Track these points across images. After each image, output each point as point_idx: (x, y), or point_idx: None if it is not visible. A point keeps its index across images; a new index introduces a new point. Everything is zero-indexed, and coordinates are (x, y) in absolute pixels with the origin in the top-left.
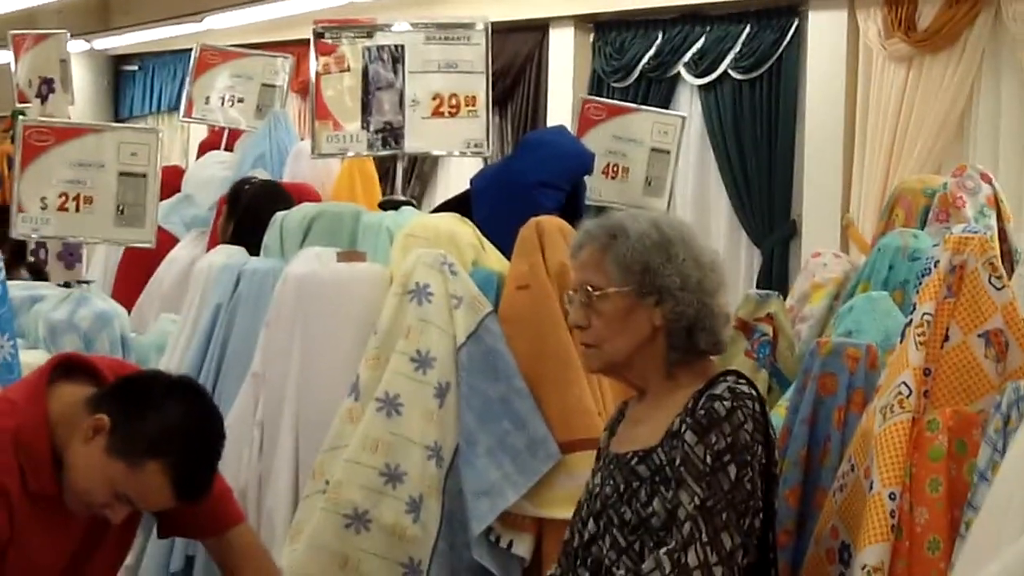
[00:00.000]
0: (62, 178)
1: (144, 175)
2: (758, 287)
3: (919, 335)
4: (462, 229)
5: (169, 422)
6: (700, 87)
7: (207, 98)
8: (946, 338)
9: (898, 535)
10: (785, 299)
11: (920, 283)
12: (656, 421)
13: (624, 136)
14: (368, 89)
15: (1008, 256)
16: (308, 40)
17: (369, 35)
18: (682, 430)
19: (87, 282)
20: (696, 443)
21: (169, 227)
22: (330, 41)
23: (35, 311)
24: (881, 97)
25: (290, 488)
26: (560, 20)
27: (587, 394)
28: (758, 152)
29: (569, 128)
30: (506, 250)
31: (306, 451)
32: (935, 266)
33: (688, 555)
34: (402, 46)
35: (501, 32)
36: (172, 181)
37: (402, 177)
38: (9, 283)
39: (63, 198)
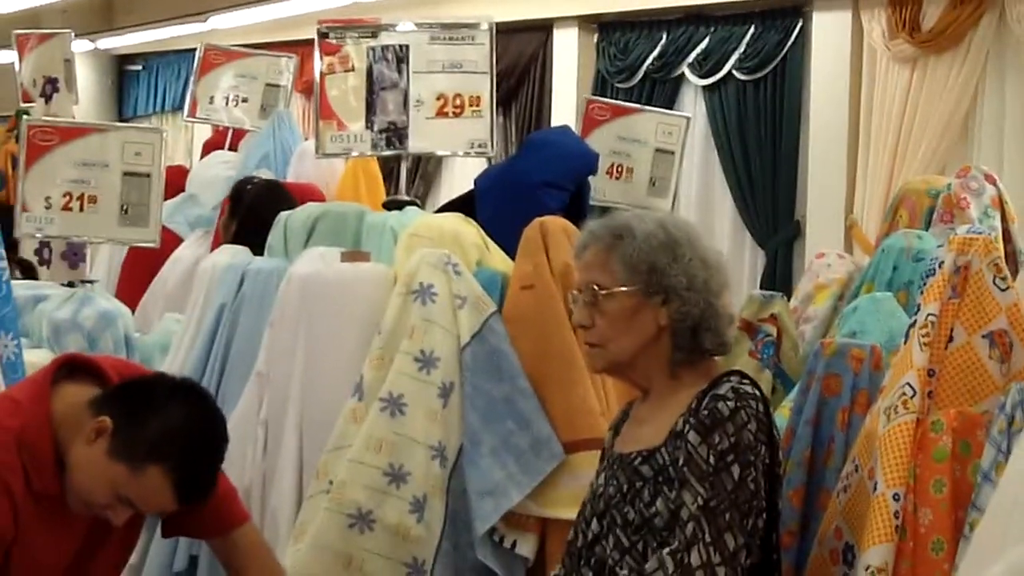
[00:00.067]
0: (66, 178)
1: (148, 175)
2: (762, 288)
3: (923, 336)
4: (466, 229)
5: (171, 426)
6: (704, 88)
7: (211, 98)
8: (950, 339)
9: (902, 536)
10: (789, 300)
11: (924, 284)
12: (660, 421)
13: (628, 136)
14: (372, 89)
15: (1012, 257)
16: (312, 40)
17: (373, 35)
18: (685, 430)
19: (91, 282)
20: (699, 443)
21: (173, 227)
22: (334, 41)
23: (39, 310)
24: (885, 98)
25: (294, 488)
26: (564, 20)
27: (591, 394)
28: (762, 153)
29: (573, 128)
30: (510, 250)
31: (310, 451)
32: (939, 267)
33: (691, 555)
34: (406, 46)
35: (505, 32)
36: (176, 181)
37: (406, 177)
38: (13, 283)
39: (67, 197)
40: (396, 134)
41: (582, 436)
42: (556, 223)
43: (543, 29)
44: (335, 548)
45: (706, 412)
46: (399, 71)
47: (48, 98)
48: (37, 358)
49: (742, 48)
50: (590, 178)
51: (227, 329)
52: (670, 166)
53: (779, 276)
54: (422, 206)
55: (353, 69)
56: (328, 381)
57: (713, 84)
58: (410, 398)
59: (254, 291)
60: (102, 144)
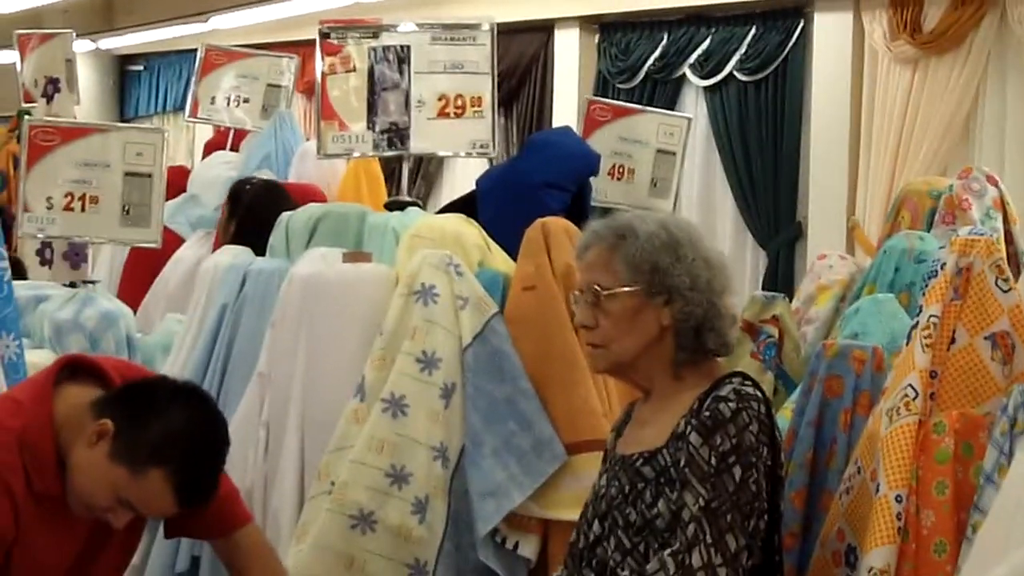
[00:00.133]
0: (68, 178)
1: (150, 175)
2: (763, 289)
3: (925, 337)
4: (468, 230)
5: (172, 430)
6: (705, 88)
7: (213, 98)
8: (952, 340)
9: (904, 538)
10: (791, 301)
11: (926, 285)
12: (662, 423)
13: (630, 137)
14: (374, 89)
15: (1014, 258)
16: (314, 40)
17: (375, 35)
18: (687, 432)
19: (93, 282)
20: (701, 444)
21: (175, 227)
22: (336, 41)
23: (41, 311)
24: (887, 99)
25: (296, 489)
26: (565, 21)
27: (593, 395)
28: (763, 154)
29: (575, 129)
30: (512, 251)
31: (312, 452)
32: (941, 268)
33: (692, 556)
34: (408, 47)
35: (506, 33)
36: (178, 181)
37: (408, 178)
38: (15, 283)
39: (69, 198)
40: (397, 135)
41: (584, 437)
42: (558, 224)
43: (544, 30)
44: (337, 549)
45: (708, 413)
46: (400, 71)
47: (50, 98)
48: (39, 359)
49: (743, 49)
50: (591, 179)
51: (229, 330)
52: (671, 167)
53: (781, 277)
54: (424, 207)
55: (354, 69)
56: (330, 382)
57: (714, 85)
58: (412, 399)
59: (256, 292)
60: (104, 144)
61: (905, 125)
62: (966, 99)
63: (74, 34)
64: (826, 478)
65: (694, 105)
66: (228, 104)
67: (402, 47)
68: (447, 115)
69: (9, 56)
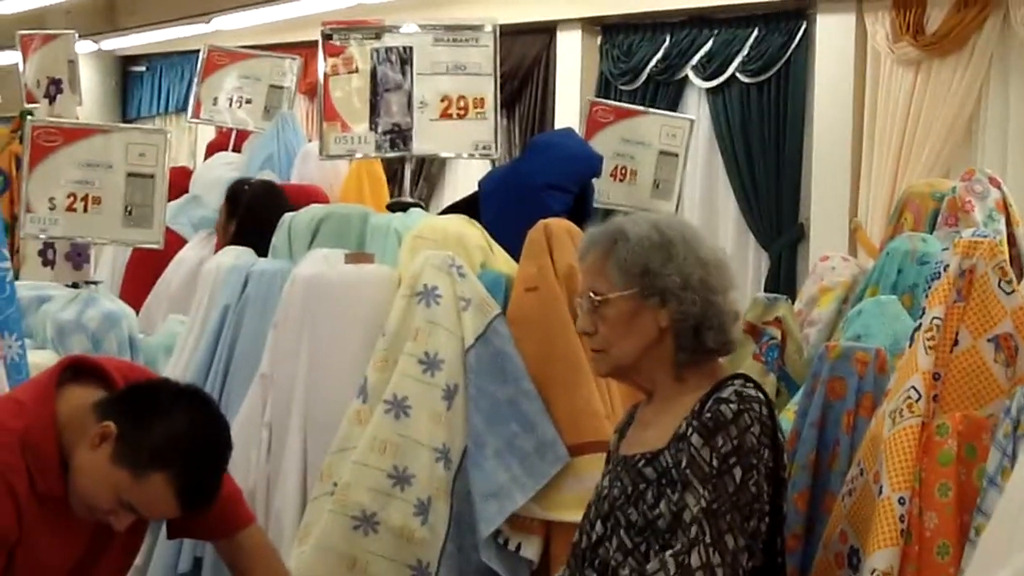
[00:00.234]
0: (70, 178)
1: (152, 176)
2: (766, 290)
3: (928, 339)
4: (470, 231)
5: (175, 433)
6: (708, 90)
7: (215, 99)
8: (955, 342)
9: (907, 540)
10: (793, 303)
11: (929, 287)
12: (664, 424)
13: (632, 139)
14: (376, 91)
15: (1017, 260)
16: (316, 41)
17: (377, 36)
18: (689, 433)
19: (95, 283)
20: (702, 446)
21: (177, 228)
22: (338, 42)
23: (43, 311)
24: (889, 101)
25: (298, 490)
26: (568, 23)
27: (596, 396)
28: (766, 155)
29: (577, 130)
30: (514, 252)
31: (314, 453)
32: (944, 270)
33: (691, 557)
34: (410, 48)
35: (509, 34)
36: (180, 182)
37: (410, 179)
38: (17, 283)
39: (71, 198)
40: (400, 136)
41: (587, 439)
42: (560, 225)
43: (547, 31)
44: (339, 550)
45: (709, 415)
46: (403, 73)
47: (52, 99)
48: (41, 359)
49: (746, 51)
50: (594, 180)
51: (231, 330)
52: (674, 168)
53: (783, 279)
54: (426, 208)
55: (357, 71)
56: (332, 383)
57: (717, 87)
58: (414, 400)
59: (258, 292)
60: (106, 145)
61: (908, 127)
62: (969, 101)
63: (77, 35)
64: (829, 480)
65: (696, 107)
66: (230, 105)
67: (404, 48)
68: (449, 116)
69: (12, 57)
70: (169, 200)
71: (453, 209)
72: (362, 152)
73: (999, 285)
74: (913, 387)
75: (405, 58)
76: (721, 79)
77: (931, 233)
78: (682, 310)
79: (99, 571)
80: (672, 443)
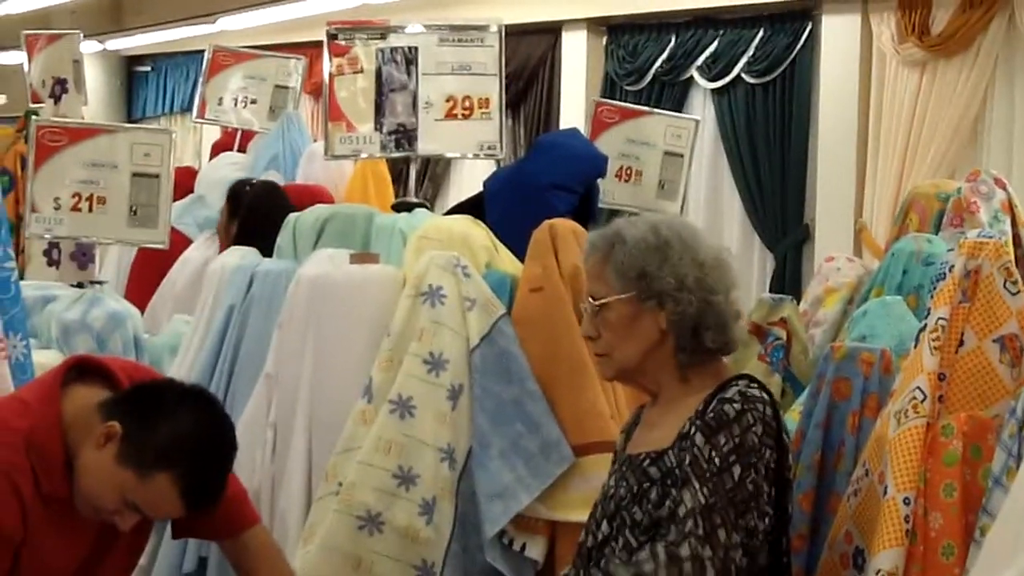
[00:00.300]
0: (75, 178)
1: (157, 176)
2: (771, 291)
3: (934, 340)
4: (475, 231)
5: (180, 433)
6: (713, 91)
7: (220, 99)
8: (961, 343)
9: (912, 540)
10: (798, 303)
11: (934, 288)
12: (669, 424)
13: (637, 139)
14: (381, 91)
15: (1022, 261)
16: (321, 41)
17: (382, 37)
18: (692, 432)
19: (100, 282)
20: (704, 444)
21: (182, 228)
22: (343, 42)
23: (48, 311)
24: (895, 101)
25: (303, 490)
26: (573, 23)
27: (600, 397)
28: (771, 156)
29: (582, 131)
30: (519, 252)
31: (319, 453)
32: (949, 271)
33: (682, 547)
34: (415, 48)
35: (514, 34)
36: (185, 182)
37: (415, 179)
38: (22, 283)
39: (76, 198)
40: (405, 136)
41: (592, 439)
42: (565, 225)
43: (552, 31)
44: (344, 550)
45: (712, 414)
46: (408, 73)
47: (57, 99)
48: (46, 359)
49: (751, 51)
50: (599, 181)
51: (236, 331)
52: (679, 169)
53: (788, 279)
54: (431, 208)
55: (362, 71)
56: (337, 383)
57: (722, 87)
58: (419, 400)
59: (263, 293)
60: (111, 145)
61: (913, 128)
62: (974, 102)
63: (82, 35)
64: (834, 480)
65: (702, 107)
66: (235, 105)
67: (410, 48)
68: (454, 116)
69: (17, 56)
70: (174, 200)
71: (458, 209)
72: (367, 152)
73: (1004, 286)
74: (918, 388)
75: (410, 58)
76: (726, 80)
77: (936, 234)
78: (679, 311)
79: (104, 571)
80: (676, 443)
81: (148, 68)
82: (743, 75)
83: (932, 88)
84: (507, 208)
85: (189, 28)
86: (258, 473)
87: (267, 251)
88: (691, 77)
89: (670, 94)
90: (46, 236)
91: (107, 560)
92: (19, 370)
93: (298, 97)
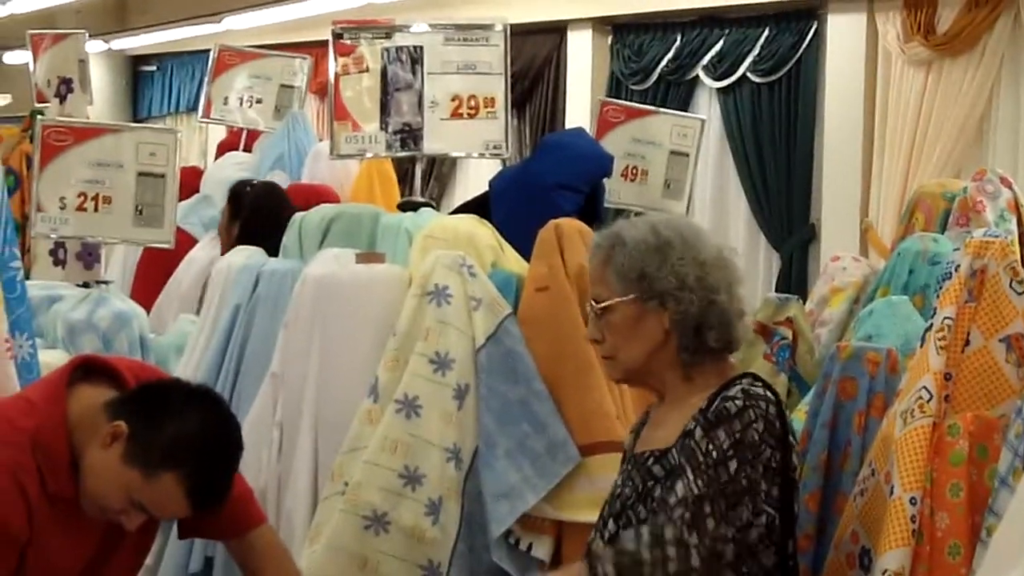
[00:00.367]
0: (81, 178)
1: (163, 175)
2: (777, 291)
3: (940, 339)
4: (481, 231)
5: (186, 433)
6: (719, 90)
7: (225, 99)
8: (967, 342)
9: (919, 540)
10: (804, 303)
11: (940, 287)
12: (674, 423)
13: (643, 138)
14: (387, 90)
15: None
16: (327, 41)
17: (388, 36)
18: (693, 428)
19: (106, 282)
20: (702, 437)
21: (188, 228)
22: (349, 42)
23: (54, 311)
24: (900, 101)
25: (309, 489)
26: (578, 22)
27: (607, 397)
28: (777, 155)
29: (588, 130)
30: (525, 252)
31: (325, 452)
32: (955, 270)
33: (667, 530)
34: (421, 47)
35: (519, 34)
36: (190, 182)
37: (421, 178)
38: (28, 283)
39: (82, 198)
40: (411, 135)
41: (598, 439)
42: (571, 225)
43: (557, 31)
44: (350, 550)
45: (713, 410)
46: (413, 72)
47: (62, 98)
48: (52, 359)
49: (756, 50)
50: (605, 180)
51: (242, 330)
52: (685, 168)
53: (794, 279)
54: (437, 207)
55: (367, 70)
56: (343, 382)
57: (728, 86)
58: (425, 400)
59: (269, 292)
60: (116, 144)
61: (919, 127)
62: (980, 101)
63: (87, 34)
64: (840, 480)
65: (707, 106)
66: (241, 105)
67: (415, 47)
68: (460, 116)
69: (22, 56)
70: (180, 200)
71: (464, 209)
72: (373, 152)
73: (1010, 285)
74: (924, 387)
75: (416, 57)
76: (732, 79)
77: (942, 233)
78: (681, 310)
79: (110, 571)
80: (679, 440)
81: (153, 68)
82: (749, 74)
83: (938, 87)
84: (513, 208)
85: (194, 28)
86: (264, 473)
87: (269, 252)
88: (697, 76)
89: (676, 93)
90: (52, 236)
91: (113, 560)
92: (25, 370)
93: (303, 96)
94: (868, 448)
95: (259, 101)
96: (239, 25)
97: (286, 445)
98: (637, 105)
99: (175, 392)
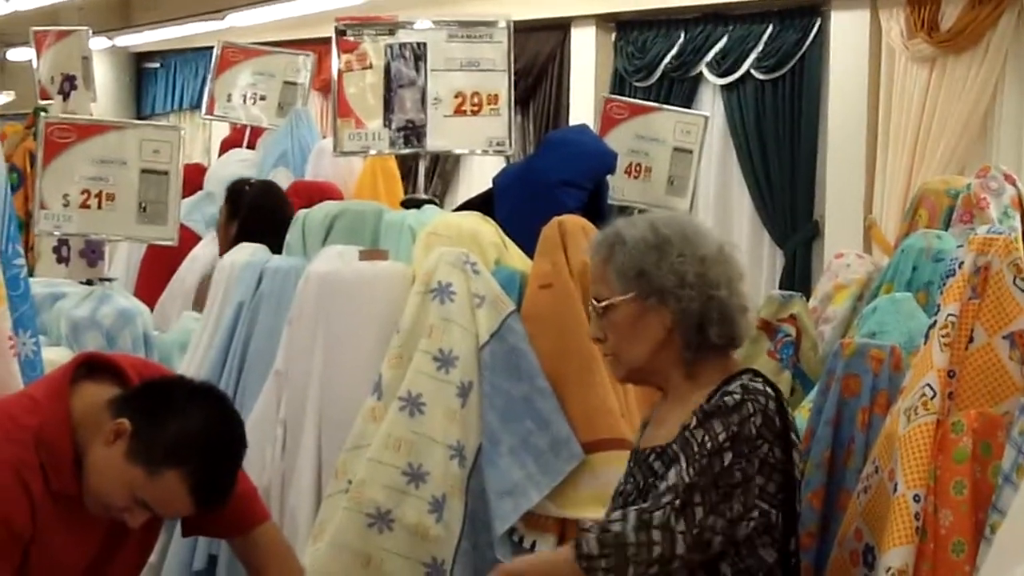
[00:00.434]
0: (84, 175)
1: (166, 172)
2: (781, 288)
3: (943, 336)
4: (484, 228)
5: (189, 430)
6: (722, 87)
7: (229, 96)
8: (970, 340)
9: (922, 537)
10: (808, 300)
11: (944, 284)
12: (675, 419)
13: (647, 135)
14: (390, 87)
15: None
16: (330, 38)
17: (391, 33)
18: (692, 423)
19: (109, 279)
20: (696, 428)
21: (191, 225)
22: (352, 38)
23: (57, 308)
24: (904, 97)
25: (313, 487)
26: (582, 19)
27: (610, 394)
28: (780, 152)
29: (591, 127)
30: (528, 249)
31: (329, 450)
32: (959, 267)
33: (654, 515)
34: (424, 44)
35: (523, 31)
36: (194, 179)
37: (424, 175)
38: (31, 280)
39: (85, 195)
40: (414, 132)
41: (601, 436)
42: (575, 222)
43: (561, 28)
44: (354, 547)
45: (711, 403)
46: (417, 69)
47: (66, 95)
48: (56, 356)
49: (760, 47)
50: (608, 177)
51: (245, 327)
52: (688, 165)
53: (798, 276)
54: (440, 204)
55: (371, 67)
56: (347, 380)
57: (731, 83)
58: (429, 397)
59: (272, 289)
60: (120, 142)
61: (922, 124)
62: (984, 98)
63: (90, 31)
64: (844, 477)
65: (711, 103)
66: (244, 102)
67: (418, 44)
68: (464, 113)
69: (26, 53)
70: (183, 197)
71: (467, 206)
72: (376, 149)
73: (1014, 282)
74: (928, 384)
75: (419, 54)
76: (736, 76)
77: (946, 230)
78: (682, 308)
79: (114, 569)
80: (679, 435)
81: (157, 64)
82: (752, 71)
83: (941, 84)
84: (516, 204)
85: (198, 24)
86: (268, 470)
87: (270, 250)
88: (700, 73)
89: (679, 90)
90: (55, 233)
91: (117, 557)
92: (28, 367)
93: (307, 93)
94: (872, 445)
95: (263, 98)
96: (242, 22)
97: (290, 442)
98: (641, 102)
99: (179, 389)
